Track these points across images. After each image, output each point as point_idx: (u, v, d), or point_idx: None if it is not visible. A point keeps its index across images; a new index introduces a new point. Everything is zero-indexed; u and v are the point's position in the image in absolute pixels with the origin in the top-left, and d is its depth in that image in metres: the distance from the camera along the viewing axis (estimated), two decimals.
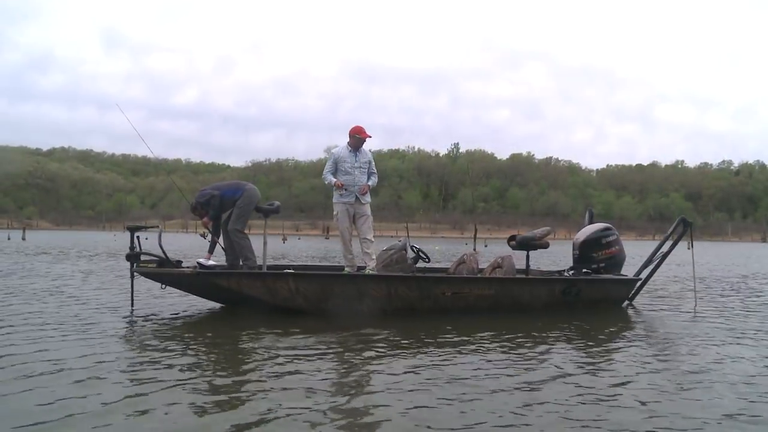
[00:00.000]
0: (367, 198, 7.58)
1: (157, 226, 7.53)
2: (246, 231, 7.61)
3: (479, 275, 7.95)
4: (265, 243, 7.29)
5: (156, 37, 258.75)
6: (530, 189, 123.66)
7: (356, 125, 7.63)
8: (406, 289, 7.00)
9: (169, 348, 5.04)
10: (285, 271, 7.33)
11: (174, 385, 3.88)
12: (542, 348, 5.41)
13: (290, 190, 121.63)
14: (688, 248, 8.99)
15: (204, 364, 4.55)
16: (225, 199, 7.33)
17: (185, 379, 4.04)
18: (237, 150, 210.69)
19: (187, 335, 5.70)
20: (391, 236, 62.82)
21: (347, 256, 7.68)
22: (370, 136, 7.64)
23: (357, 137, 7.55)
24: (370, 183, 7.63)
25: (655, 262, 8.49)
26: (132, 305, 7.11)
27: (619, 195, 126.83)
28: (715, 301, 9.17)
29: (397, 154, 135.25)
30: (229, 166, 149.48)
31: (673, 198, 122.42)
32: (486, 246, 40.55)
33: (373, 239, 7.58)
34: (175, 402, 3.53)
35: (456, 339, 5.69)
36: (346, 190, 7.39)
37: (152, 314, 6.85)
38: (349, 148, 7.57)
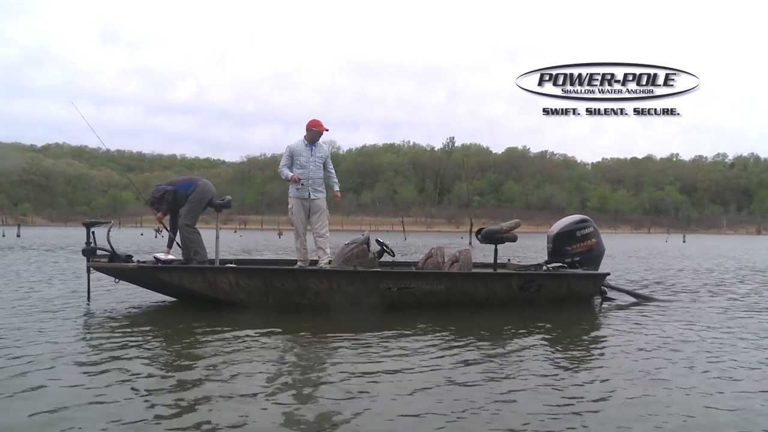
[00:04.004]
0: (322, 193, 7.66)
1: (110, 222, 7.62)
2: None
3: (426, 269, 7.76)
4: (217, 237, 7.35)
5: (153, 32, 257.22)
6: (526, 183, 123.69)
7: (313, 119, 7.68)
8: (349, 283, 6.88)
9: (120, 342, 5.09)
10: (227, 265, 7.31)
11: (124, 380, 3.94)
12: (498, 346, 5.44)
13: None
14: (684, 242, 8.91)
15: (154, 358, 4.59)
16: (179, 195, 7.34)
17: (136, 373, 4.08)
18: (234, 145, 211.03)
19: (139, 329, 5.72)
20: (387, 231, 62.84)
21: (300, 250, 7.74)
22: (327, 129, 7.69)
23: (314, 130, 7.62)
24: (336, 189, 7.88)
25: (633, 299, 8.23)
26: (88, 299, 7.17)
27: (614, 188, 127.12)
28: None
29: (392, 149, 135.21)
30: (224, 162, 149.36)
31: (669, 191, 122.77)
32: None
33: (327, 234, 7.66)
34: (125, 395, 3.61)
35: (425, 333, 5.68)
36: (302, 184, 7.48)
37: (107, 308, 6.93)
38: (305, 142, 7.64)
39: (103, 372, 4.11)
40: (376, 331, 5.67)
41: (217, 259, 7.36)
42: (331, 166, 7.88)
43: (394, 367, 4.39)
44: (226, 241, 27.49)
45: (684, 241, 42.99)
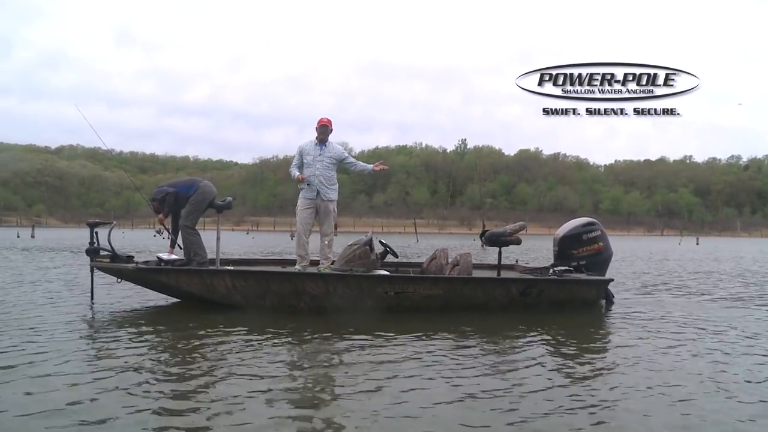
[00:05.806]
0: (331, 193, 7.60)
1: (112, 222, 7.74)
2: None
3: (428, 272, 7.75)
4: (218, 238, 7.37)
5: (168, 34, 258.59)
6: (538, 185, 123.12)
7: (321, 117, 7.66)
8: (345, 287, 6.89)
9: (117, 343, 5.14)
10: (224, 267, 7.32)
11: (121, 381, 3.96)
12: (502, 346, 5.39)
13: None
14: (697, 244, 8.84)
15: (155, 359, 4.61)
16: (180, 196, 7.38)
17: (133, 374, 4.11)
18: (247, 147, 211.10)
19: (138, 330, 5.73)
20: (399, 232, 62.81)
21: (299, 252, 7.69)
22: (327, 121, 7.64)
23: (317, 127, 7.62)
24: (371, 166, 7.79)
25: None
26: (92, 299, 7.27)
27: (627, 190, 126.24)
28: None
29: (405, 150, 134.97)
30: (236, 163, 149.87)
31: (682, 193, 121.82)
32: None
33: (331, 236, 7.63)
34: (121, 396, 3.63)
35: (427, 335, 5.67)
36: (308, 184, 7.45)
37: (110, 308, 7.03)
38: (316, 142, 7.65)
39: (99, 371, 4.14)
40: (375, 333, 5.67)
41: (217, 260, 7.40)
42: (351, 159, 7.91)
43: (395, 370, 4.38)
44: (241, 243, 27.55)
45: (697, 244, 42.83)
